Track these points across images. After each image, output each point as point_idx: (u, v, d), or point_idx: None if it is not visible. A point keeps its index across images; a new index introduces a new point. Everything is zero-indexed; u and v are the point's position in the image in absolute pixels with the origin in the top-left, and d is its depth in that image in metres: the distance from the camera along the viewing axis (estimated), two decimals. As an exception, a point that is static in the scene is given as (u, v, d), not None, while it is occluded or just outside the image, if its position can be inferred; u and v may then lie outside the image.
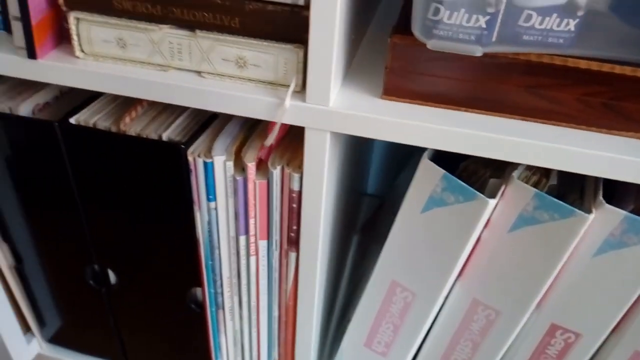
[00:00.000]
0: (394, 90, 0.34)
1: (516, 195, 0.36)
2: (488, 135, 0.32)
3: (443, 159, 0.38)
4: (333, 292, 0.63)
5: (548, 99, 0.32)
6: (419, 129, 0.33)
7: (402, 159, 0.79)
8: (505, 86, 0.33)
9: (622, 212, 0.35)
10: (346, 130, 0.34)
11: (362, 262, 0.65)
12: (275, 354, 0.50)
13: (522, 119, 0.34)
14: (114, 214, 0.45)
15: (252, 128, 0.43)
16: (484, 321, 0.42)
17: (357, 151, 0.61)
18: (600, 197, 0.35)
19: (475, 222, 0.37)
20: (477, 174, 0.40)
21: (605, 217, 0.35)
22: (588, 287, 0.38)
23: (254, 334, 0.49)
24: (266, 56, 0.34)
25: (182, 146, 0.39)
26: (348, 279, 0.68)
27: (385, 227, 0.60)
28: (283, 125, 0.42)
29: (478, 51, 0.30)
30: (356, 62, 0.40)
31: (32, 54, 0.37)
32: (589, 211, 0.35)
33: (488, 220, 0.39)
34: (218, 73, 0.36)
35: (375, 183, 0.83)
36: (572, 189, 0.39)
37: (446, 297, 0.43)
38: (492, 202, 0.35)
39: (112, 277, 0.50)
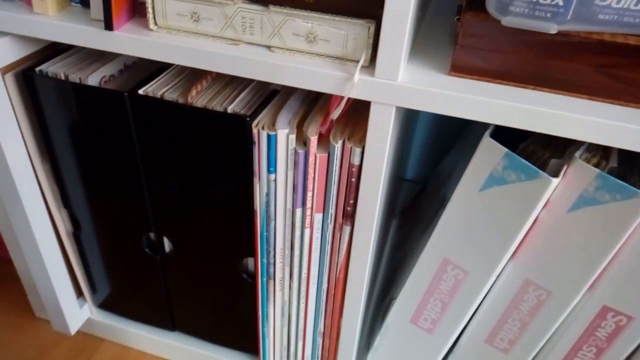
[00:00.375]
0: (462, 67, 0.35)
1: (578, 175, 0.37)
2: (556, 112, 0.33)
3: (501, 139, 0.39)
4: (374, 271, 0.64)
5: (619, 79, 0.32)
6: (487, 105, 0.33)
7: (442, 146, 0.79)
8: (575, 65, 0.33)
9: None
10: (413, 105, 0.35)
11: (403, 245, 0.66)
12: (321, 325, 0.52)
13: (590, 98, 0.34)
14: (175, 184, 0.46)
15: (312, 103, 0.44)
16: (534, 301, 0.43)
17: (402, 135, 0.62)
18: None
19: (536, 201, 0.37)
20: (536, 154, 0.40)
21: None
22: (644, 271, 0.38)
23: (302, 305, 0.51)
24: (336, 31, 0.35)
25: (248, 119, 0.40)
26: (387, 260, 0.69)
27: (428, 211, 0.61)
28: (342, 100, 0.43)
29: (553, 29, 0.30)
30: (419, 40, 0.40)
31: (109, 26, 0.38)
32: (651, 193, 0.35)
33: (547, 201, 0.39)
34: (288, 48, 0.37)
35: (414, 169, 0.84)
36: (632, 171, 0.39)
37: (497, 276, 0.44)
38: (555, 181, 0.36)
39: (168, 245, 0.52)
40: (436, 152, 0.80)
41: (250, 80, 0.45)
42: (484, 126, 0.52)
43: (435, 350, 0.50)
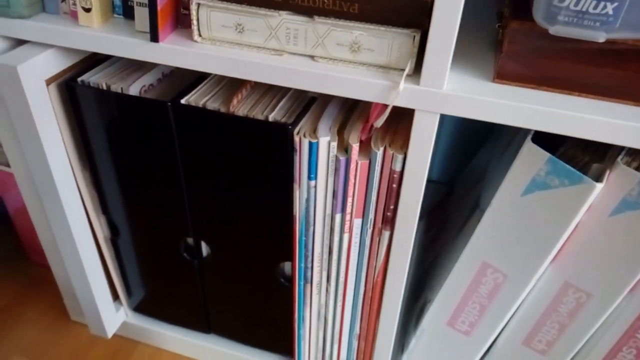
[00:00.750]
0: (507, 74, 0.35)
1: (621, 179, 0.37)
2: (602, 119, 0.33)
3: (539, 142, 0.39)
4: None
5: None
6: (533, 112, 0.34)
7: (467, 147, 0.79)
8: (621, 72, 0.33)
9: None
10: (459, 113, 0.35)
11: (432, 247, 0.67)
12: (357, 328, 0.52)
13: (636, 104, 0.34)
14: (216, 190, 0.47)
15: (350, 110, 0.45)
16: (573, 304, 0.43)
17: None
18: None
19: (579, 206, 0.37)
20: (576, 158, 0.41)
21: None
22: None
23: (339, 309, 0.51)
24: (381, 41, 0.36)
25: (289, 127, 0.41)
26: (415, 262, 0.69)
27: (460, 213, 0.61)
28: (384, 107, 0.43)
29: (602, 37, 0.31)
30: (457, 46, 0.41)
31: (154, 37, 0.39)
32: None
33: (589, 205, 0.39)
34: (331, 57, 0.37)
35: (439, 170, 0.84)
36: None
37: (537, 280, 0.44)
38: (599, 186, 0.36)
39: (205, 249, 0.53)
40: (461, 153, 0.80)
41: (288, 89, 0.46)
42: (518, 129, 0.53)
43: (471, 352, 0.50)
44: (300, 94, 0.45)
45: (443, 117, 0.68)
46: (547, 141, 0.42)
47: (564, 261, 0.42)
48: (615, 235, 0.39)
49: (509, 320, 0.47)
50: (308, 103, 0.44)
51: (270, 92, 0.45)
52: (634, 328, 0.43)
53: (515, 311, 0.47)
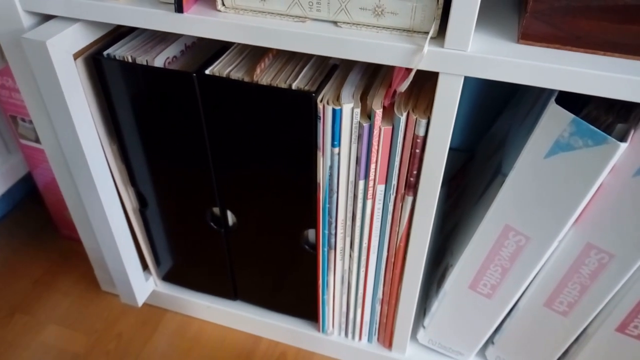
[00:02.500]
0: (532, 35, 0.35)
1: (645, 139, 0.37)
2: (628, 77, 0.33)
3: (562, 104, 0.39)
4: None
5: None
6: (560, 72, 0.34)
7: (486, 114, 0.79)
8: (648, 29, 0.33)
9: None
10: (484, 75, 0.35)
11: (453, 213, 0.67)
12: (380, 293, 0.54)
13: (663, 62, 0.34)
14: (241, 160, 0.48)
15: (372, 76, 0.45)
16: (596, 265, 0.44)
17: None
18: None
19: (603, 166, 0.38)
20: (599, 119, 0.41)
21: None
22: None
23: (362, 274, 0.52)
24: (404, 3, 0.36)
25: (313, 94, 0.41)
26: (437, 228, 0.70)
27: (480, 179, 0.62)
28: (408, 71, 0.43)
29: (629, -7, 0.31)
30: (481, 9, 0.41)
31: (179, 8, 0.40)
32: None
33: (613, 165, 0.39)
34: (354, 22, 0.38)
35: (459, 138, 0.84)
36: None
37: (559, 242, 0.45)
38: (623, 146, 0.36)
39: (231, 218, 0.55)
40: (481, 121, 0.80)
41: (310, 56, 0.46)
42: (539, 92, 0.52)
43: (493, 314, 0.51)
44: (322, 62, 0.46)
45: (463, 82, 0.67)
46: (571, 103, 0.42)
47: (587, 222, 0.42)
48: (639, 195, 0.39)
49: (530, 283, 0.48)
50: (330, 70, 0.45)
51: (293, 60, 0.46)
52: (656, 288, 0.43)
53: (537, 273, 0.47)
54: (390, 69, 0.45)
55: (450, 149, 0.84)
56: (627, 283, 0.44)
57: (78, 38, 0.46)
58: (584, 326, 0.48)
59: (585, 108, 0.42)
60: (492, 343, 0.56)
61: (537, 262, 0.45)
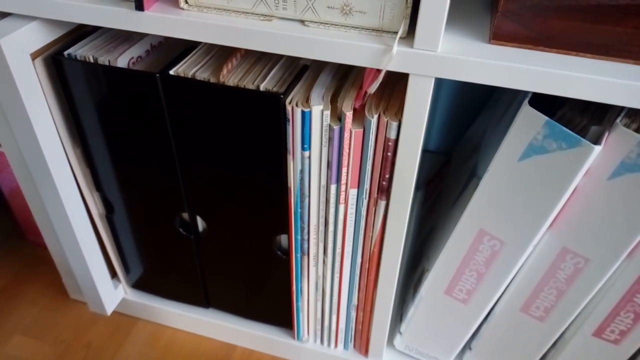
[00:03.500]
0: (503, 35, 0.34)
1: (619, 142, 0.36)
2: (601, 79, 0.32)
3: (536, 107, 0.38)
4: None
5: (667, 41, 0.32)
6: (531, 73, 0.33)
7: (464, 117, 0.78)
8: (621, 29, 0.32)
9: None
10: (455, 76, 0.34)
11: (430, 217, 0.66)
12: (355, 299, 0.52)
13: (635, 63, 0.33)
14: (209, 163, 0.46)
15: (343, 77, 0.44)
16: (571, 269, 0.43)
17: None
18: None
19: (577, 169, 0.37)
20: (574, 122, 0.40)
21: None
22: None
23: (336, 280, 0.51)
24: (372, 2, 0.34)
25: (281, 96, 0.40)
26: (413, 232, 0.69)
27: (456, 182, 0.61)
28: (377, 73, 0.42)
29: (600, -8, 0.30)
30: (452, 8, 0.40)
31: (140, 6, 0.38)
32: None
33: (587, 168, 0.39)
34: (322, 21, 0.36)
35: (437, 140, 0.83)
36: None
37: (534, 246, 0.44)
38: (597, 149, 0.35)
39: (201, 224, 0.53)
40: (458, 124, 0.79)
41: (280, 57, 0.45)
42: (515, 94, 0.52)
43: (469, 320, 0.50)
44: (292, 62, 0.44)
45: (440, 84, 0.67)
46: (545, 105, 0.41)
47: (562, 226, 0.42)
48: (614, 199, 0.38)
49: (506, 288, 0.47)
50: (300, 71, 0.43)
51: (262, 60, 0.44)
52: (631, 292, 0.42)
53: (513, 278, 0.46)
54: (361, 70, 0.44)
55: (428, 151, 0.83)
56: (604, 287, 0.43)
57: (36, 37, 0.44)
58: (561, 331, 0.47)
59: (560, 110, 0.41)
60: (470, 349, 0.55)
61: (512, 266, 0.44)
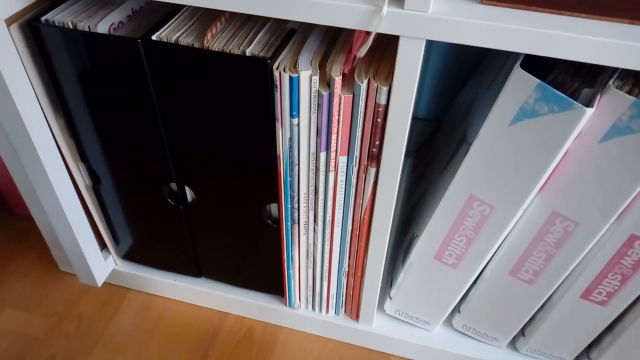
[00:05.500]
0: (495, -5, 0.33)
1: (612, 104, 0.36)
2: (594, 39, 0.31)
3: (528, 70, 0.38)
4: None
5: (663, -1, 0.31)
6: (522, 33, 0.32)
7: (453, 84, 0.77)
8: (615, -13, 0.31)
9: None
10: (446, 38, 0.33)
11: (420, 183, 0.66)
12: (345, 265, 0.53)
13: (630, 22, 0.32)
14: (195, 132, 0.46)
15: (332, 42, 0.42)
16: (561, 233, 0.43)
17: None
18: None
19: (569, 133, 0.36)
20: (566, 84, 0.39)
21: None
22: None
23: (327, 247, 0.51)
24: (361, -38, 0.33)
25: (268, 61, 0.39)
26: (403, 198, 0.69)
27: (446, 149, 0.60)
28: (367, 35, 0.41)
29: (596, -52, 0.29)
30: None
31: (117, -34, 0.36)
32: (688, 119, 0.34)
33: (579, 132, 0.38)
34: (309, -18, 0.35)
35: (426, 108, 0.83)
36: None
37: (524, 210, 0.44)
38: (589, 111, 0.35)
39: (190, 194, 0.52)
40: (448, 90, 0.78)
41: (267, 20, 0.43)
42: (505, 59, 0.51)
43: (459, 284, 0.51)
44: (279, 26, 0.43)
45: (428, 50, 0.65)
46: (536, 69, 0.40)
47: (552, 190, 0.42)
48: (605, 162, 0.38)
49: (495, 252, 0.48)
50: (287, 35, 0.42)
51: (247, 24, 0.43)
52: (619, 254, 0.43)
53: (502, 243, 0.47)
54: (350, 33, 0.43)
55: (417, 118, 0.82)
56: (592, 250, 0.44)
57: (10, 1, 0.42)
58: (549, 294, 0.48)
59: (552, 73, 0.40)
60: (459, 312, 0.55)
61: (501, 231, 0.44)
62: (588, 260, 0.45)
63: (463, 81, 0.76)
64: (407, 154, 0.80)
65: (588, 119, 0.37)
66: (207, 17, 0.43)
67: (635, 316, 0.47)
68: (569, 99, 0.35)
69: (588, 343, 0.51)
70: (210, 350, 0.60)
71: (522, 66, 0.36)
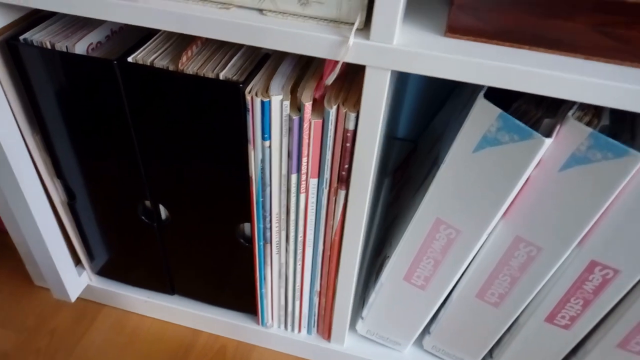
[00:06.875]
0: (458, 28, 0.34)
1: (570, 134, 0.37)
2: (551, 73, 0.33)
3: (493, 99, 0.39)
4: (368, 230, 0.65)
5: (615, 37, 0.32)
6: (484, 67, 0.33)
7: (433, 104, 0.79)
8: (571, 24, 0.33)
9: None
10: (410, 69, 0.34)
11: (395, 204, 0.67)
12: (317, 285, 0.53)
13: (586, 58, 0.34)
14: (170, 152, 0.46)
15: (305, 67, 0.44)
16: (524, 257, 0.44)
17: (395, 95, 0.62)
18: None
19: (529, 161, 0.38)
20: (529, 114, 0.41)
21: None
22: (632, 226, 0.39)
23: (299, 267, 0.52)
24: (329, -6, 0.34)
25: (241, 85, 0.40)
26: (380, 218, 0.70)
27: (420, 171, 0.62)
28: (336, 64, 0.42)
29: (549, -11, 0.30)
30: (409, 1, 0.40)
31: (94, -10, 0.37)
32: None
33: (539, 160, 0.40)
34: (280, 11, 0.36)
35: (406, 128, 0.84)
36: (622, 129, 0.40)
37: (489, 235, 0.45)
38: (548, 141, 0.36)
39: (164, 213, 0.53)
40: (428, 110, 0.80)
41: (241, 45, 0.44)
42: (476, 86, 0.52)
43: (427, 305, 0.51)
44: (253, 51, 0.44)
45: (406, 75, 0.67)
46: (502, 98, 0.41)
47: (515, 216, 0.43)
48: (565, 190, 0.39)
49: (462, 275, 0.49)
50: (261, 60, 0.43)
51: (222, 49, 0.44)
52: (581, 279, 0.44)
53: (469, 266, 0.48)
54: (322, 60, 0.44)
55: (396, 138, 0.84)
56: (555, 275, 0.45)
57: (-12, 20, 0.43)
58: (515, 317, 0.49)
59: (517, 102, 0.42)
60: (429, 333, 0.56)
61: (467, 254, 0.45)
62: (552, 284, 0.46)
63: (441, 102, 0.77)
64: (385, 174, 0.81)
65: (548, 148, 0.38)
66: (183, 41, 0.44)
67: (597, 340, 0.48)
68: (528, 128, 0.36)
69: (554, 365, 0.52)
70: (183, 368, 0.60)
71: (490, 93, 0.38)
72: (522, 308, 0.48)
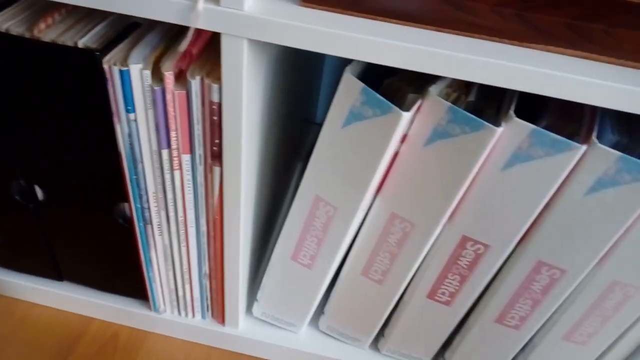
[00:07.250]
0: (312, -3, 0.33)
1: (432, 109, 0.37)
2: (405, 45, 0.33)
3: (371, 78, 0.39)
4: (272, 213, 0.65)
5: (464, 9, 0.32)
6: (338, 38, 0.33)
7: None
8: (421, -4, 0.33)
9: (530, 126, 0.36)
10: (264, 38, 0.33)
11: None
12: (205, 268, 0.52)
13: (438, 30, 0.34)
14: (34, 127, 0.43)
15: (175, 39, 0.42)
16: (400, 233, 0.44)
17: (299, 74, 0.61)
18: (511, 111, 0.37)
19: (389, 135, 0.37)
20: (401, 90, 0.41)
21: (514, 131, 0.37)
22: (497, 200, 0.40)
23: (184, 249, 0.50)
24: (178, -44, 0.33)
25: (97, 53, 0.38)
26: (289, 203, 0.69)
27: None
28: (203, 33, 0.41)
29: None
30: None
31: None
32: (498, 124, 0.36)
33: (406, 135, 0.40)
34: (129, -27, 0.34)
35: (323, 113, 0.84)
36: (489, 105, 0.41)
37: (367, 212, 0.45)
38: (406, 115, 0.36)
39: (40, 193, 0.50)
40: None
41: (109, 14, 0.42)
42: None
43: (316, 284, 0.51)
44: (120, 20, 0.42)
45: (320, 56, 0.65)
46: (380, 75, 0.41)
47: (389, 192, 0.43)
48: (431, 165, 0.40)
49: (348, 253, 0.48)
50: (128, 29, 0.41)
51: (87, 18, 0.41)
52: (455, 255, 0.45)
53: (352, 243, 0.48)
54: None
55: (314, 123, 0.83)
56: (431, 251, 0.45)
57: None
58: (399, 294, 0.49)
59: (388, 79, 0.42)
60: (323, 313, 0.56)
61: (346, 232, 0.45)
62: (429, 260, 0.46)
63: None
64: (300, 159, 0.81)
65: (413, 123, 0.38)
66: (46, 8, 0.41)
67: (476, 316, 0.49)
68: (388, 102, 0.36)
69: (441, 343, 0.53)
70: (71, 355, 0.57)
71: (367, 72, 0.37)
72: (404, 284, 0.48)
